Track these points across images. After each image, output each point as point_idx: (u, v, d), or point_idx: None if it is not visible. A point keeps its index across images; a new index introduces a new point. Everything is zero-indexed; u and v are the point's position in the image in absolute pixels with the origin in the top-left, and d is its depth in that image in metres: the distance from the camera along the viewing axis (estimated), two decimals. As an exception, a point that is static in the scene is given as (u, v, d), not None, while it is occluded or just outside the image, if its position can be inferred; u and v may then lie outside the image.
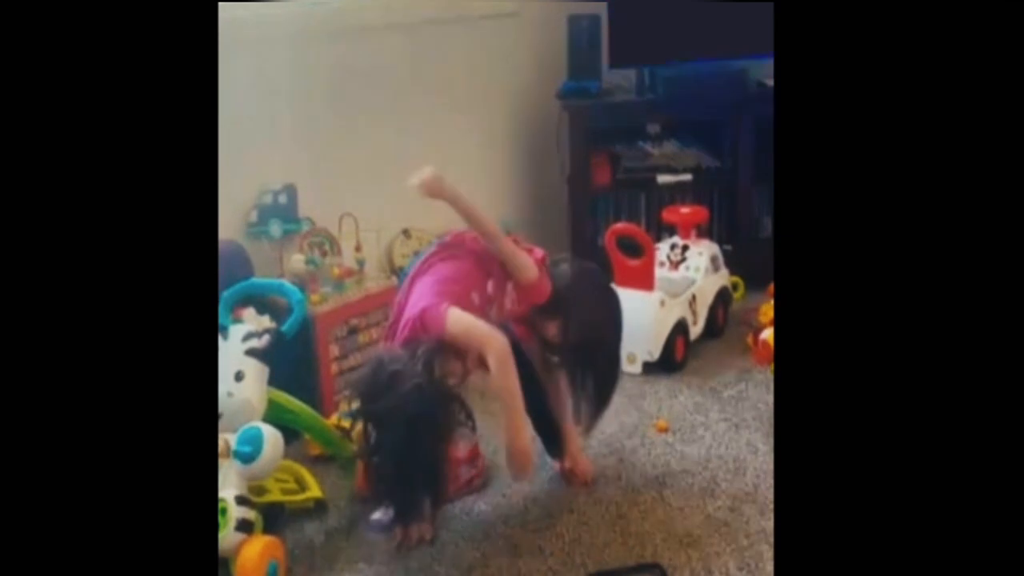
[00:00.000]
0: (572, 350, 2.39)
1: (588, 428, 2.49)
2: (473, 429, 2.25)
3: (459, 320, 2.09)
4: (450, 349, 2.10)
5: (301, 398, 2.46)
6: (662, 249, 3.29)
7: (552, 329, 2.38)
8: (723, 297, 3.30)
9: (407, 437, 1.99)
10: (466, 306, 2.15)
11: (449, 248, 2.30)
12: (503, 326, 2.25)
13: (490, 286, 2.27)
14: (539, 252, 2.39)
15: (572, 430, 2.51)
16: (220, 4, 2.50)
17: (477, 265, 2.27)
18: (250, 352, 2.30)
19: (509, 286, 2.32)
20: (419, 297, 2.17)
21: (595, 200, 3.57)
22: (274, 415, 2.30)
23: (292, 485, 2.39)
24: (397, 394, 1.99)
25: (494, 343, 2.10)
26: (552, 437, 2.52)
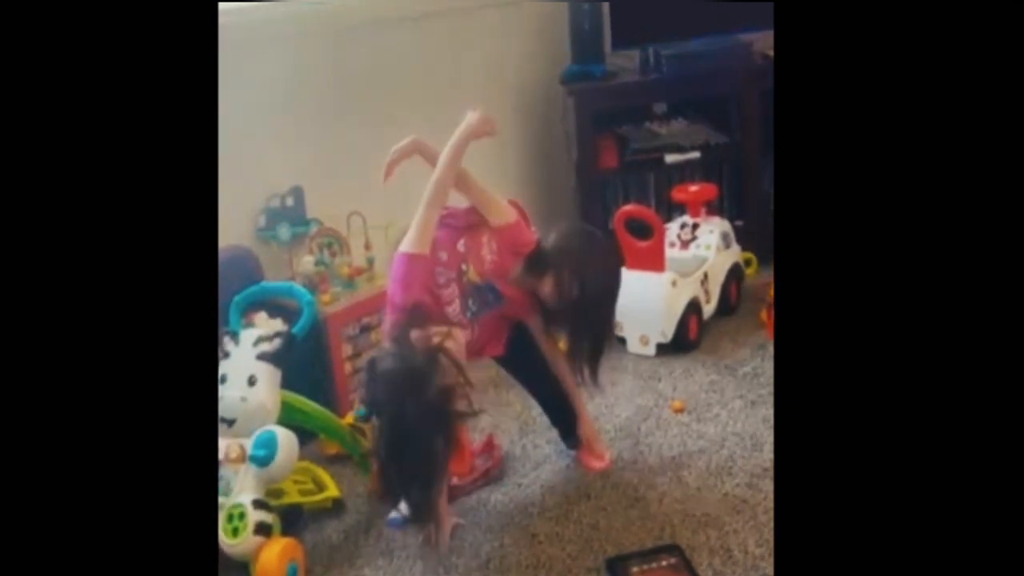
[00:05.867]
0: (568, 307, 2.30)
1: (591, 382, 2.39)
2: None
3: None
4: (421, 313, 2.09)
5: (315, 399, 2.48)
6: (672, 229, 3.28)
7: (546, 287, 2.28)
8: (735, 274, 3.29)
9: (392, 430, 1.97)
10: (434, 264, 2.16)
11: None
12: (490, 288, 2.23)
13: (461, 243, 2.22)
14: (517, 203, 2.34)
15: (587, 417, 2.53)
16: (222, 9, 2.57)
17: (440, 223, 2.20)
18: (262, 356, 2.32)
19: (485, 238, 2.26)
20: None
21: (604, 183, 3.57)
22: (288, 417, 2.32)
23: (309, 486, 2.41)
24: (372, 390, 2.01)
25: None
26: (569, 426, 2.53)
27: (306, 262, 2.84)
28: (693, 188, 3.36)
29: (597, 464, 2.49)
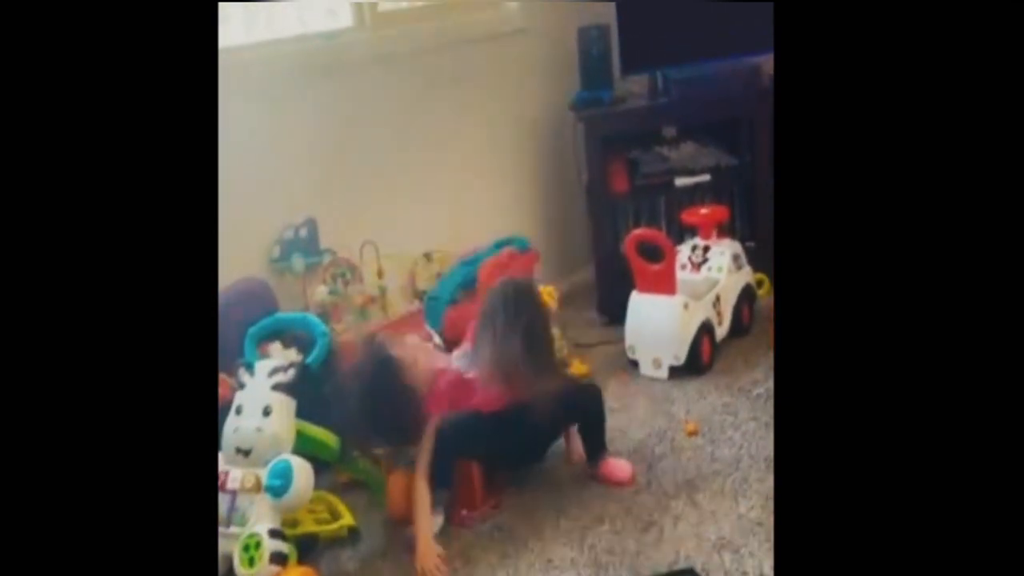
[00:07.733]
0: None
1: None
2: None
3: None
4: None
5: (330, 428, 2.50)
6: (683, 251, 3.29)
7: None
8: (747, 295, 3.29)
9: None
10: None
11: None
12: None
13: None
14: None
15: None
16: (227, 48, 2.61)
17: None
18: (277, 386, 2.34)
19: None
20: None
21: (614, 207, 3.59)
22: (303, 447, 2.34)
23: (325, 515, 2.42)
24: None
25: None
26: (594, 442, 2.56)
27: (320, 292, 2.87)
28: (704, 211, 3.38)
29: (621, 475, 2.52)
